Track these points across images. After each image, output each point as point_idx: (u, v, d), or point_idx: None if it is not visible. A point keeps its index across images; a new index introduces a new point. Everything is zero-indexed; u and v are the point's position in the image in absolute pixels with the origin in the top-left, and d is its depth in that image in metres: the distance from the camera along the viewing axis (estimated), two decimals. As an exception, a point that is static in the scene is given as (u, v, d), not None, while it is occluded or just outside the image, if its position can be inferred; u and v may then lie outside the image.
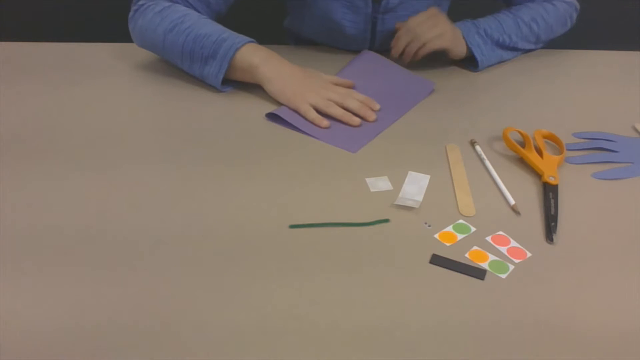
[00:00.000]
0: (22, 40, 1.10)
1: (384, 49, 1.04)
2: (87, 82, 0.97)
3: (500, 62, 1.06)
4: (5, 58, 1.04)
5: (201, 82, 0.95)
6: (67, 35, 1.22)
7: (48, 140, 0.81)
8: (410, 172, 0.76)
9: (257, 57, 0.90)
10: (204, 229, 0.66)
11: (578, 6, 1.12)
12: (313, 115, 0.86)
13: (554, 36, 1.10)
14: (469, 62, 1.03)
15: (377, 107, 0.90)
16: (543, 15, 1.06)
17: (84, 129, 0.84)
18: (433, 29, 0.97)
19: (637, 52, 1.12)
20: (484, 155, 0.79)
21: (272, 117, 0.87)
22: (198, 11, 0.98)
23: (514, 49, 1.06)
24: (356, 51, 1.08)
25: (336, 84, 0.93)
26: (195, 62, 0.93)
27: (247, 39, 0.92)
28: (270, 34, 1.26)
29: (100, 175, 0.74)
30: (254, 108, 0.90)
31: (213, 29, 0.92)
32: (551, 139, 0.84)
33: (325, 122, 0.85)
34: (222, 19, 1.03)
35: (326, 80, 0.93)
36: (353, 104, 0.88)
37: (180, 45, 0.92)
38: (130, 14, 0.99)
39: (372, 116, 0.87)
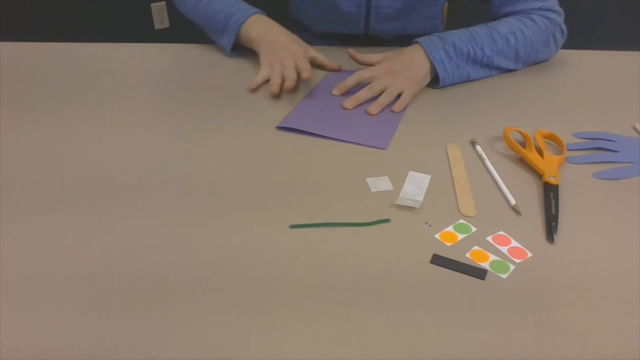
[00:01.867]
0: (22, 40, 1.10)
1: (378, 28, 1.06)
2: (87, 82, 0.97)
3: (471, 80, 0.99)
4: (5, 58, 1.04)
5: (202, 79, 0.96)
6: (67, 35, 1.22)
7: (48, 139, 0.81)
8: (410, 172, 0.76)
9: (254, 32, 1.01)
10: (203, 229, 0.66)
11: (565, 29, 1.05)
12: (274, 81, 0.93)
13: (536, 56, 1.04)
14: (434, 79, 0.98)
15: (306, 75, 0.92)
16: (522, 29, 1.00)
17: (83, 129, 0.84)
18: (395, 77, 0.93)
19: (637, 52, 1.12)
20: (484, 155, 0.79)
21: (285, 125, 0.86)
22: None
23: (489, 65, 0.99)
24: (352, 35, 1.12)
25: (298, 61, 0.95)
26: (216, 35, 1.08)
27: (252, 11, 1.03)
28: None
29: (101, 175, 0.74)
30: (255, 110, 0.90)
31: (225, 5, 1.05)
32: (551, 138, 0.84)
33: (274, 89, 0.92)
34: None
35: (299, 52, 0.97)
36: (287, 75, 0.92)
37: (203, 19, 1.08)
38: None
39: (290, 84, 0.91)
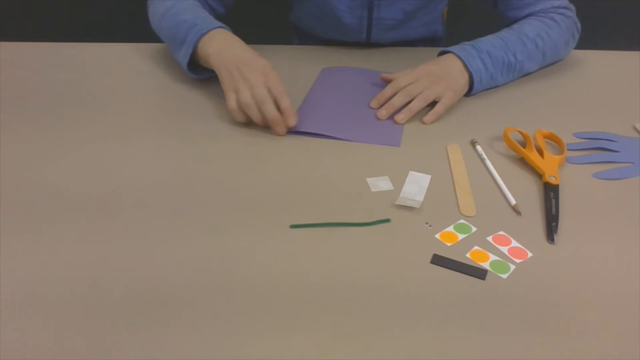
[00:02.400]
0: (22, 40, 1.10)
1: (380, 38, 1.05)
2: (87, 82, 0.97)
3: (496, 86, 0.97)
4: (5, 58, 1.03)
5: (200, 81, 0.95)
6: (67, 35, 1.22)
7: (48, 139, 0.81)
8: (411, 172, 0.76)
9: (211, 47, 0.88)
10: (204, 229, 0.66)
11: (579, 26, 1.05)
12: (234, 113, 0.83)
13: (557, 56, 1.03)
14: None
15: (292, 123, 0.82)
16: (547, 31, 0.99)
17: (83, 129, 0.84)
18: (435, 86, 0.88)
19: (637, 52, 1.12)
20: (484, 155, 0.79)
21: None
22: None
23: (519, 70, 0.98)
24: (353, 44, 1.10)
25: (269, 81, 0.83)
26: (174, 48, 0.95)
27: (216, 24, 0.91)
28: (277, 30, 1.27)
29: (100, 175, 0.74)
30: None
31: (192, 15, 0.93)
32: (552, 138, 0.84)
33: (240, 118, 0.83)
34: (230, 12, 1.06)
35: (266, 65, 0.84)
36: (268, 114, 0.81)
37: (166, 31, 0.96)
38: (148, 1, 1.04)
39: (281, 131, 0.82)
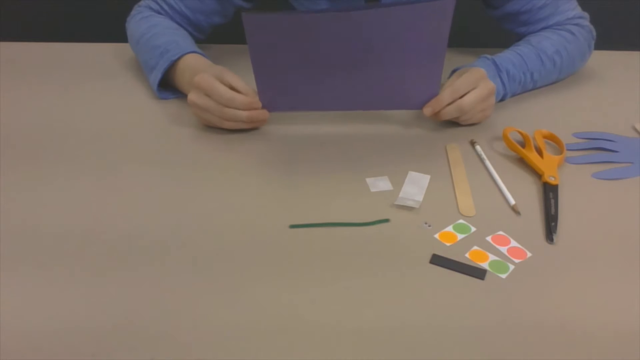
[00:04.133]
0: (22, 40, 1.10)
1: None
2: (87, 82, 0.97)
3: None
4: (5, 58, 1.04)
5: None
6: (67, 35, 1.22)
7: (47, 140, 0.81)
8: (410, 172, 0.76)
9: (178, 75, 0.88)
10: (203, 229, 0.66)
11: (595, 34, 1.01)
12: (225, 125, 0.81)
13: (572, 71, 1.00)
14: None
15: (258, 106, 0.79)
16: (565, 46, 0.95)
17: (83, 129, 0.84)
18: (484, 112, 0.85)
19: (637, 52, 1.12)
20: (484, 155, 0.79)
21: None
22: (179, 24, 0.98)
23: (532, 88, 0.95)
24: None
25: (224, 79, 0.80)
26: (147, 70, 0.93)
27: (187, 50, 0.88)
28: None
29: (99, 176, 0.74)
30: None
31: (166, 40, 0.91)
32: (551, 139, 0.84)
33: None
34: (205, 34, 1.03)
35: (221, 68, 0.82)
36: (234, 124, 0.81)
37: (142, 54, 0.94)
38: (127, 19, 1.01)
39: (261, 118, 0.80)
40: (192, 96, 0.81)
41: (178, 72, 0.89)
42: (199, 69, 0.84)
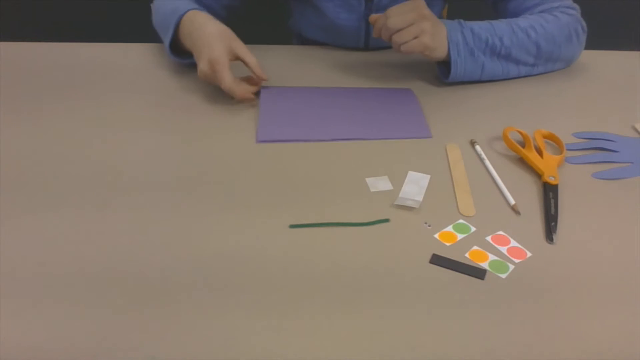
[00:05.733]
0: (22, 40, 1.10)
1: (379, 42, 1.05)
2: (87, 83, 0.97)
3: (485, 74, 0.96)
4: (5, 58, 1.04)
5: (199, 81, 0.95)
6: (67, 35, 1.22)
7: (47, 139, 0.81)
8: (410, 172, 0.76)
9: (184, 30, 0.94)
10: (204, 229, 0.66)
11: (585, 25, 1.03)
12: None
13: (559, 52, 1.00)
14: (447, 67, 0.95)
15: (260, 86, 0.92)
16: (542, 24, 0.97)
17: (83, 129, 0.84)
18: (419, 39, 0.88)
19: (637, 52, 1.12)
20: (484, 155, 0.79)
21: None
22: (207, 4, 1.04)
23: (507, 57, 0.95)
24: (353, 49, 1.10)
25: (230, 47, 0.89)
26: (163, 36, 0.99)
27: (189, 7, 0.95)
28: (277, 34, 1.28)
29: (100, 174, 0.74)
30: (255, 109, 0.90)
31: (176, 3, 0.97)
32: (551, 138, 0.84)
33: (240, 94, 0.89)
34: (237, 15, 1.08)
35: (220, 57, 0.88)
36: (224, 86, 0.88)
37: (157, 23, 1.02)
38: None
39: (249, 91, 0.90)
40: (202, 68, 0.89)
41: (184, 29, 0.94)
42: (202, 24, 0.91)
